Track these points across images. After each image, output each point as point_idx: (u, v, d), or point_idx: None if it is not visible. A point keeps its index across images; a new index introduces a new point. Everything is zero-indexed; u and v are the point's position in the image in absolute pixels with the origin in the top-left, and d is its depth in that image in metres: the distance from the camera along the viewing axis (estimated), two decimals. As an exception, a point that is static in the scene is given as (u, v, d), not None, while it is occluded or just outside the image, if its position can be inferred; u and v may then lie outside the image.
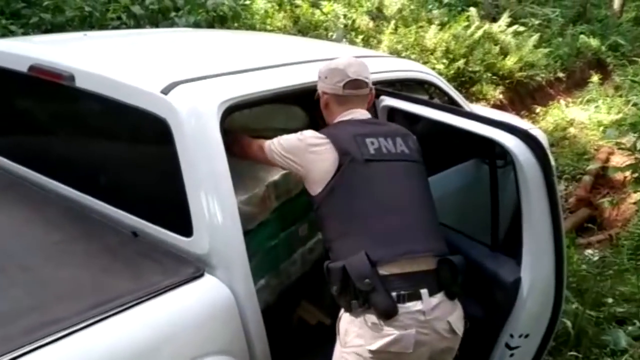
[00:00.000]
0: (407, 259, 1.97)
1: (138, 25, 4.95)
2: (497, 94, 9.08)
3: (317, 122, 2.97)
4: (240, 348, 2.07)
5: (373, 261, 1.92)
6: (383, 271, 1.93)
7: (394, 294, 1.91)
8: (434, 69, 8.40)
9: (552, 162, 1.97)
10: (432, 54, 8.83)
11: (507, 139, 1.95)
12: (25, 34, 3.89)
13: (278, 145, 2.18)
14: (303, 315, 2.85)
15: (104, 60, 2.38)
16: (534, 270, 2.07)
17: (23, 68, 2.40)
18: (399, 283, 1.93)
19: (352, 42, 8.86)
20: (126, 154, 2.26)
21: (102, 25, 4.65)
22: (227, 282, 2.04)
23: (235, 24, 6.01)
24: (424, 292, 1.93)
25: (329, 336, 2.13)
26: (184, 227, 2.04)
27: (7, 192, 2.43)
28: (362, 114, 2.27)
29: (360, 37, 9.10)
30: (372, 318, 1.92)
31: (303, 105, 2.98)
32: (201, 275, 1.99)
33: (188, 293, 1.93)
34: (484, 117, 2.06)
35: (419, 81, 3.15)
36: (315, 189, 2.10)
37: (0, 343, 1.53)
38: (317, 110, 2.42)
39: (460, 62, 8.78)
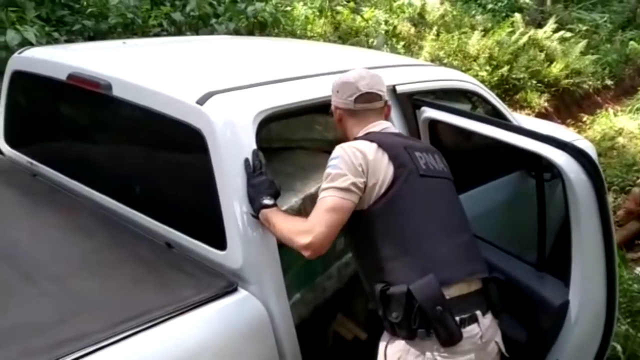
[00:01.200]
0: (466, 280, 1.88)
1: (179, 32, 4.98)
2: (542, 101, 8.86)
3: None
4: (273, 364, 2.01)
5: (439, 284, 1.82)
6: (447, 295, 1.82)
7: (457, 318, 1.81)
8: (476, 76, 8.25)
9: (604, 179, 1.85)
10: (475, 60, 8.68)
11: (556, 154, 1.85)
12: (68, 41, 3.94)
13: (335, 180, 1.90)
14: (339, 330, 2.77)
15: (141, 69, 2.36)
16: (584, 293, 1.95)
17: (62, 76, 2.40)
18: (460, 306, 1.84)
19: (393, 49, 8.78)
20: (162, 164, 2.23)
21: (144, 32, 4.68)
22: (261, 297, 1.98)
23: (275, 31, 6.01)
24: (478, 313, 1.86)
25: (365, 351, 2.05)
26: (218, 239, 2.00)
27: (45, 199, 2.42)
28: (391, 125, 2.17)
29: (402, 43, 9.01)
30: (433, 346, 1.81)
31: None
32: (234, 290, 1.94)
33: (220, 308, 1.88)
34: (531, 131, 1.95)
35: (462, 90, 3.04)
36: (366, 201, 1.92)
37: (24, 357, 1.51)
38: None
39: (504, 69, 8.59)
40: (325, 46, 3.45)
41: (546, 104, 8.92)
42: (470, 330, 1.83)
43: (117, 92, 2.22)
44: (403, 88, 2.56)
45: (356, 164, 1.90)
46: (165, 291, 1.88)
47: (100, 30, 4.63)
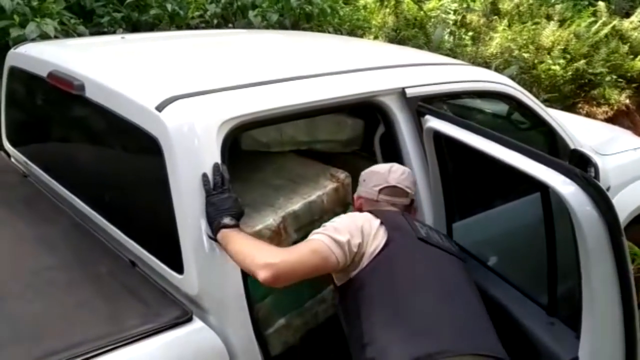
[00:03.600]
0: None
1: (219, 24, 4.81)
2: (622, 98, 8.11)
3: (367, 131, 2.65)
4: (234, 404, 1.79)
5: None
6: None
7: None
8: (549, 70, 7.69)
9: (619, 219, 1.49)
10: (548, 53, 8.05)
11: (560, 182, 1.50)
12: (95, 33, 3.84)
13: (333, 231, 1.75)
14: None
15: (117, 69, 2.18)
16: (595, 351, 1.60)
17: (44, 74, 2.27)
18: None
19: (460, 39, 8.32)
20: (128, 174, 2.05)
21: (179, 25, 4.55)
22: (219, 329, 1.77)
23: (331, 22, 5.72)
24: None
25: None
26: (176, 262, 1.80)
27: (23, 205, 2.31)
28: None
29: (470, 34, 8.52)
30: None
31: (353, 115, 2.66)
32: (188, 320, 1.73)
33: (167, 341, 1.67)
34: (536, 153, 1.61)
35: (495, 93, 2.68)
36: (358, 267, 1.77)
37: None
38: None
39: (581, 63, 7.91)
40: (343, 42, 3.16)
41: (627, 101, 8.16)
42: None
43: (89, 93, 2.06)
44: (414, 91, 2.26)
45: (359, 224, 1.79)
46: (107, 319, 1.70)
47: (140, 23, 4.54)
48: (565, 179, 1.50)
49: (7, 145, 2.78)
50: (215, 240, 1.72)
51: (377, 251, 1.77)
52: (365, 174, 2.08)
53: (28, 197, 2.37)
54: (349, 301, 1.80)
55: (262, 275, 1.59)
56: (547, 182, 1.54)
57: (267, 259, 1.61)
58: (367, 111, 2.51)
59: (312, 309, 2.29)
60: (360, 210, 2.00)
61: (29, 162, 2.58)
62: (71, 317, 1.70)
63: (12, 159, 2.75)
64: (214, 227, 1.71)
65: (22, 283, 1.83)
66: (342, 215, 1.88)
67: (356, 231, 1.77)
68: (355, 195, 2.09)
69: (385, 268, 1.74)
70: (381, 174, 2.02)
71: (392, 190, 1.99)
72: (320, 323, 2.35)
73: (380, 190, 1.99)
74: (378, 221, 1.82)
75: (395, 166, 2.06)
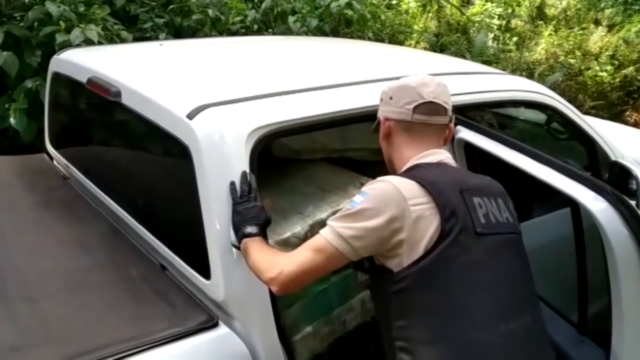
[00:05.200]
0: None
1: (259, 29, 4.87)
2: (673, 107, 7.85)
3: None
4: (258, 411, 1.80)
5: None
6: None
7: None
8: (595, 76, 7.50)
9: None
10: (596, 59, 7.85)
11: (590, 199, 1.47)
12: (137, 39, 3.94)
13: (344, 220, 1.53)
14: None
15: (152, 75, 2.23)
16: (625, 373, 1.55)
17: (83, 80, 2.34)
18: None
19: (504, 45, 8.20)
20: (159, 179, 2.10)
21: (220, 31, 4.62)
22: (244, 335, 1.78)
23: (371, 27, 5.72)
24: None
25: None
26: (204, 267, 1.82)
27: (60, 207, 2.38)
28: (449, 157, 1.70)
29: (514, 39, 8.39)
30: None
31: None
32: (214, 325, 1.76)
33: (192, 346, 1.70)
34: (567, 168, 1.57)
35: (532, 103, 2.63)
36: (395, 263, 1.50)
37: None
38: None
39: (630, 69, 7.68)
40: (377, 49, 3.14)
41: (679, 110, 7.90)
42: None
43: (125, 99, 2.11)
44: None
45: (386, 208, 1.48)
46: (135, 322, 1.74)
47: (182, 28, 4.63)
48: (596, 196, 1.46)
49: (49, 148, 2.88)
50: (239, 248, 1.74)
51: (421, 250, 1.47)
52: (391, 89, 1.74)
53: (67, 200, 2.44)
54: (384, 304, 1.57)
55: (272, 289, 1.60)
56: (577, 198, 1.51)
57: (269, 273, 1.56)
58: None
59: (340, 317, 2.29)
60: (389, 135, 1.74)
61: (69, 164, 2.66)
62: (101, 319, 1.74)
63: (54, 162, 2.84)
64: (238, 235, 1.73)
65: (56, 284, 1.88)
66: (367, 194, 1.54)
67: (387, 216, 1.48)
68: (381, 117, 1.77)
69: (432, 277, 1.46)
70: (412, 88, 1.68)
71: (430, 106, 1.67)
72: (349, 331, 2.35)
73: (414, 109, 1.66)
74: (420, 190, 1.50)
75: (427, 77, 1.73)
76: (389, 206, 1.48)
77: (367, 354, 2.45)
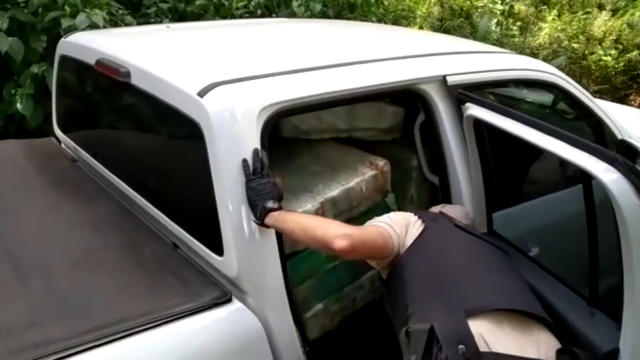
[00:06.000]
0: (515, 328, 1.60)
1: (263, 14, 4.86)
2: (677, 90, 7.82)
3: (407, 120, 2.63)
4: (272, 384, 1.82)
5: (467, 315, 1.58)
6: (484, 344, 1.52)
7: None
8: (599, 61, 7.48)
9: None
10: (600, 43, 7.82)
11: (601, 170, 1.47)
12: (142, 23, 3.93)
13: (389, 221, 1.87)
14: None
15: (161, 56, 2.24)
16: (637, 342, 1.57)
17: (92, 61, 2.35)
18: None
19: (507, 29, 8.17)
20: (171, 159, 2.10)
21: (224, 16, 4.61)
22: (258, 311, 1.80)
23: (374, 12, 5.69)
24: None
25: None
26: (216, 244, 1.84)
27: (71, 188, 2.39)
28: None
29: (518, 24, 8.36)
30: None
31: (394, 103, 2.65)
32: (227, 301, 1.77)
33: (206, 320, 1.72)
34: (580, 141, 1.58)
35: (539, 82, 2.63)
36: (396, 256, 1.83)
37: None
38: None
39: (633, 54, 7.65)
40: (384, 30, 3.13)
41: (683, 94, 7.87)
42: None
43: (135, 80, 2.12)
44: (456, 79, 2.24)
45: (402, 219, 1.88)
46: (150, 298, 1.75)
47: (186, 13, 4.62)
48: (608, 167, 1.47)
49: (57, 131, 2.88)
50: (262, 224, 1.75)
51: (415, 237, 1.83)
52: None
53: (77, 181, 2.45)
54: (392, 284, 1.84)
55: (339, 243, 1.63)
56: (589, 170, 1.51)
57: (343, 230, 1.68)
58: (407, 99, 2.50)
59: (350, 295, 2.31)
60: None
61: (77, 147, 2.67)
62: (115, 295, 1.76)
63: (62, 145, 2.85)
64: (259, 211, 1.74)
65: (70, 262, 1.90)
66: (390, 214, 1.94)
67: (403, 224, 1.85)
68: None
69: (422, 248, 1.80)
70: None
71: None
72: (358, 309, 2.37)
73: None
74: (416, 217, 1.91)
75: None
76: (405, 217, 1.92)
77: (374, 332, 2.48)
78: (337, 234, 1.65)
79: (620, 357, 1.61)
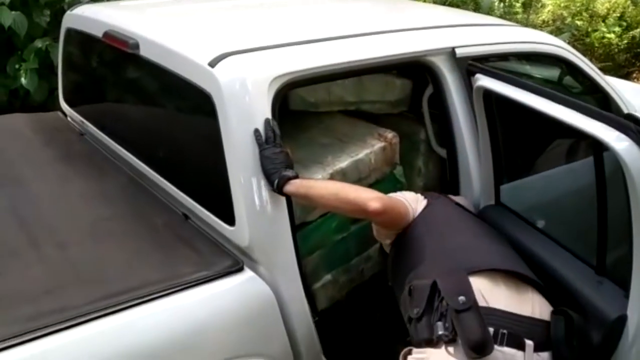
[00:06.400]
0: (511, 288, 1.66)
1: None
2: (680, 68, 7.79)
3: (415, 92, 2.63)
4: (283, 351, 1.85)
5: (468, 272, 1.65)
6: (482, 299, 1.59)
7: (491, 329, 1.54)
8: (603, 38, 7.43)
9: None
10: (603, 20, 7.77)
11: (612, 137, 1.48)
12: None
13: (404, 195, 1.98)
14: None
15: (171, 27, 2.24)
16: (645, 309, 1.59)
17: (100, 34, 2.34)
18: (501, 320, 1.57)
19: (510, 6, 8.11)
20: (182, 130, 2.11)
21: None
22: (269, 279, 1.82)
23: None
24: (529, 343, 1.56)
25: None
26: (228, 214, 1.85)
27: (80, 161, 2.40)
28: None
29: (521, 1, 8.29)
30: (456, 353, 1.53)
31: (402, 75, 2.65)
32: (239, 270, 1.79)
33: (219, 289, 1.74)
34: (588, 108, 1.59)
35: (547, 55, 2.63)
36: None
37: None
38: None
39: (637, 31, 7.61)
40: (393, 2, 3.11)
41: (686, 71, 7.84)
42: (506, 351, 1.53)
43: (144, 51, 2.11)
44: (464, 51, 2.24)
45: (415, 195, 1.99)
46: (164, 266, 1.77)
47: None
48: (620, 134, 1.48)
49: (64, 105, 2.88)
50: (280, 192, 1.77)
51: (419, 210, 1.90)
52: None
53: (86, 154, 2.46)
54: (396, 252, 1.91)
55: (374, 205, 1.71)
56: (601, 138, 1.52)
57: (375, 193, 1.77)
58: (415, 72, 2.50)
59: (359, 266, 2.34)
60: None
61: (85, 121, 2.67)
62: (129, 264, 1.78)
63: (69, 119, 2.85)
64: (278, 180, 1.76)
65: (83, 232, 1.92)
66: (403, 191, 2.04)
67: (415, 201, 1.94)
68: None
69: (426, 220, 1.88)
70: None
71: None
72: (366, 280, 2.40)
73: None
74: (422, 196, 1.99)
75: None
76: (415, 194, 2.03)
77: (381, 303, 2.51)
78: (371, 196, 1.73)
79: (627, 324, 1.63)
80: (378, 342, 2.33)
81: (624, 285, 1.68)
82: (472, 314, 1.54)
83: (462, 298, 1.56)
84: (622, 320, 1.63)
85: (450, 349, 1.54)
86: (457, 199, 2.17)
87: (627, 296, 1.65)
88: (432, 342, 1.57)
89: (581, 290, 1.75)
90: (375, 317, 2.52)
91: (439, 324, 1.56)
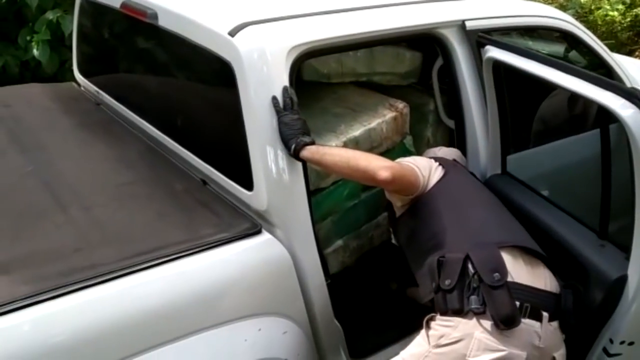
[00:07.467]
0: (527, 263, 1.75)
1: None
2: (683, 46, 7.81)
3: (425, 65, 2.69)
4: (298, 311, 1.94)
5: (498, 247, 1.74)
6: (509, 274, 1.68)
7: (517, 302, 1.64)
8: (606, 16, 7.43)
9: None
10: (606, -2, 7.78)
11: (618, 104, 1.55)
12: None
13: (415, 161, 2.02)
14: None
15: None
16: (645, 269, 1.68)
17: (117, 4, 2.39)
18: (525, 294, 1.67)
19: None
20: (200, 98, 2.18)
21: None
22: (285, 242, 1.90)
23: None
24: (545, 315, 1.67)
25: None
26: (246, 179, 1.93)
27: (98, 129, 2.47)
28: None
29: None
30: (485, 326, 1.63)
31: (412, 47, 2.70)
32: (257, 232, 1.87)
33: (238, 250, 1.82)
34: (595, 77, 1.66)
35: (555, 29, 2.68)
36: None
37: (33, 283, 1.53)
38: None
39: (641, 8, 7.63)
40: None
41: (689, 50, 7.86)
42: (529, 323, 1.65)
43: (162, 21, 2.17)
44: (474, 24, 2.29)
45: (426, 162, 2.01)
46: (185, 228, 1.85)
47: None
48: (625, 102, 1.55)
49: (78, 76, 2.94)
50: (298, 158, 1.85)
51: (438, 179, 1.95)
52: None
53: (104, 122, 2.52)
54: (413, 219, 1.96)
55: (383, 174, 1.76)
56: (607, 105, 1.59)
57: (385, 162, 1.81)
58: (425, 44, 2.56)
59: (368, 233, 2.42)
60: None
61: (100, 91, 2.73)
62: (152, 225, 1.86)
63: (83, 89, 2.91)
64: (295, 146, 1.83)
65: (106, 195, 1.99)
66: (414, 157, 2.10)
67: (427, 168, 1.97)
68: None
69: (445, 189, 1.93)
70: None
71: None
72: (375, 247, 2.48)
73: None
74: (437, 163, 2.02)
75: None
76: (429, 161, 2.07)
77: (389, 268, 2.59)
78: (381, 165, 1.78)
79: (628, 284, 1.72)
80: (386, 308, 2.41)
81: (625, 249, 1.76)
82: (504, 290, 1.64)
83: (497, 275, 1.65)
84: (622, 280, 1.72)
85: (481, 320, 1.64)
86: (452, 152, 2.28)
87: (627, 258, 1.74)
88: (461, 312, 1.66)
89: (584, 253, 1.84)
90: (384, 283, 2.60)
91: (474, 298, 1.65)
